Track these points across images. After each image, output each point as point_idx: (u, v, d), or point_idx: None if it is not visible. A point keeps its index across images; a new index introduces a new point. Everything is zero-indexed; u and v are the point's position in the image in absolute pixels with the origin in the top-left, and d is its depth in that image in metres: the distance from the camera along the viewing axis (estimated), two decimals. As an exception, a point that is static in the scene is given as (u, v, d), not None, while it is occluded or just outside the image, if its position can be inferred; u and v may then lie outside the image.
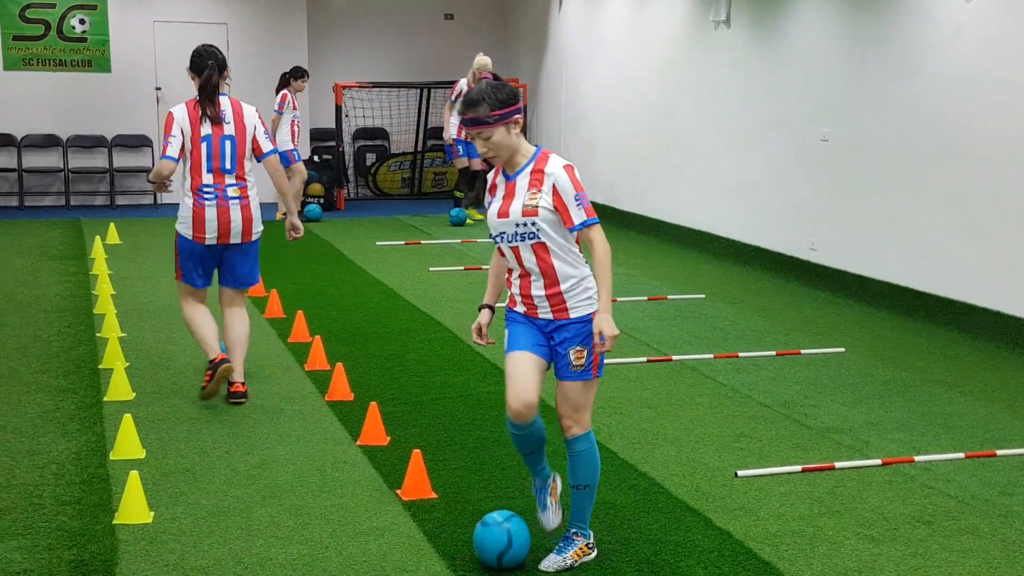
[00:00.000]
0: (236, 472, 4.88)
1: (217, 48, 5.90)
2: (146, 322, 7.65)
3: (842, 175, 9.08)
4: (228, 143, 5.76)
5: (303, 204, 13.28)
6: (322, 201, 14.02)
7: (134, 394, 5.95)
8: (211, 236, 5.76)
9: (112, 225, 11.46)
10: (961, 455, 5.21)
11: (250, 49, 14.49)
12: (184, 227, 5.78)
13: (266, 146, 5.94)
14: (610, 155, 13.16)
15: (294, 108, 12.50)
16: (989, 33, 7.52)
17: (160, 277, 9.25)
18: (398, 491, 4.65)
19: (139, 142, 14.04)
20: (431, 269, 9.87)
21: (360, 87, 14.45)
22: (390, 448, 5.21)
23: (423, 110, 15.19)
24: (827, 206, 9.29)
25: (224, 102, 5.81)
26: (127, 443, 5.03)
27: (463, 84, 12.28)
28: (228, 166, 5.76)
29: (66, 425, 5.46)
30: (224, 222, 5.75)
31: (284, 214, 6.39)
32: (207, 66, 5.74)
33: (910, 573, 4.00)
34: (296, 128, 12.54)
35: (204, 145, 5.70)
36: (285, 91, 12.49)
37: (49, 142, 13.85)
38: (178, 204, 5.90)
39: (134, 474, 4.39)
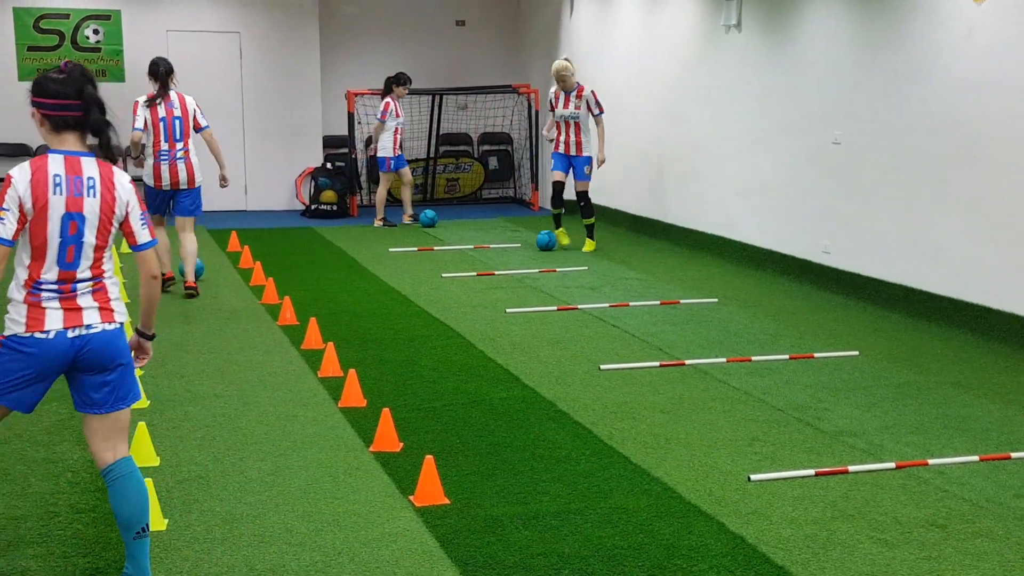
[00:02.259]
0: (249, 479, 4.90)
1: (166, 59, 8.71)
2: (159, 330, 7.62)
3: (855, 178, 9.06)
4: (177, 122, 8.63)
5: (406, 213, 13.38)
6: (335, 208, 14.06)
7: (148, 402, 5.98)
8: (165, 184, 8.67)
9: (127, 234, 11.50)
10: (975, 458, 5.19)
11: (263, 57, 14.55)
12: (148, 179, 8.72)
13: (202, 122, 8.76)
14: (621, 160, 13.15)
15: (397, 115, 12.79)
16: (1002, 34, 7.49)
17: (174, 284, 9.29)
18: (411, 497, 4.67)
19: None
20: (444, 275, 9.89)
21: (372, 94, 14.47)
22: (403, 454, 5.22)
23: (435, 117, 15.23)
24: (840, 209, 9.26)
25: (173, 95, 8.66)
26: (141, 450, 5.06)
27: (551, 94, 11.27)
28: (177, 137, 8.60)
29: (81, 433, 5.48)
30: (174, 174, 8.64)
31: (222, 176, 9.11)
32: (160, 73, 8.62)
33: (924, 577, 3.99)
34: (399, 136, 12.84)
35: (161, 124, 8.58)
36: (388, 99, 12.81)
37: (64, 152, 13.93)
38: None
39: (148, 481, 4.40)
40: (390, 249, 11.35)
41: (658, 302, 8.75)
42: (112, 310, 3.73)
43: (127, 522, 3.72)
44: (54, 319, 3.61)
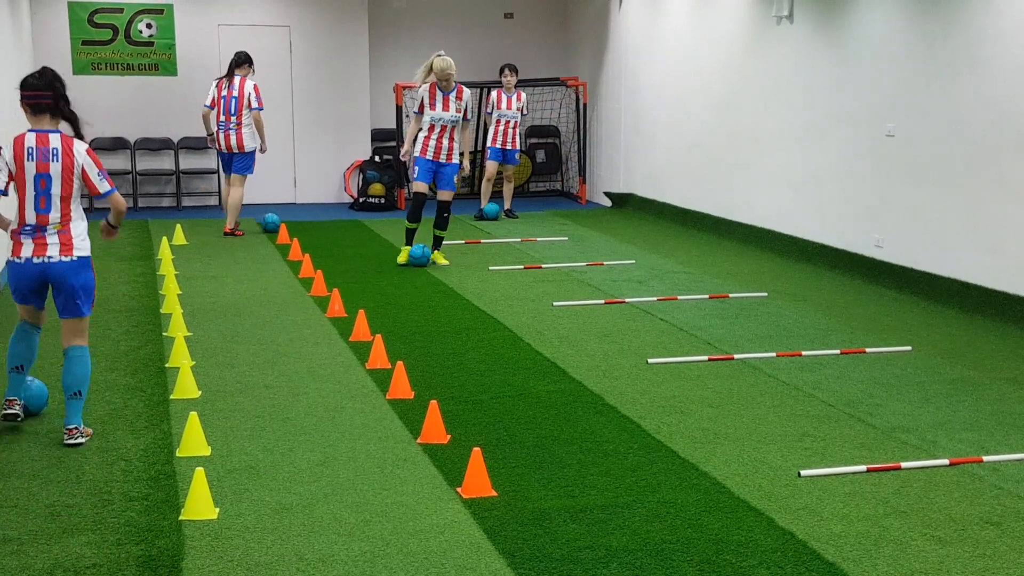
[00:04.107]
0: (299, 469, 4.94)
1: (245, 53, 11.56)
2: (211, 321, 7.76)
3: (908, 170, 8.93)
4: (233, 101, 11.31)
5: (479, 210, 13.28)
6: (383, 201, 14.13)
7: (200, 392, 6.05)
8: (223, 147, 11.42)
9: (178, 226, 11.64)
10: (1032, 455, 5.10)
11: (313, 50, 14.64)
12: (214, 144, 11.53)
13: (253, 104, 11.30)
14: (671, 152, 13.08)
15: (498, 107, 13.05)
16: (1060, 24, 7.34)
17: (226, 277, 9.39)
18: (458, 489, 4.68)
19: (205, 144, 14.24)
20: (491, 268, 9.89)
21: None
22: (450, 446, 5.24)
23: (483, 109, 15.21)
24: (893, 202, 9.14)
25: (237, 80, 11.37)
26: (193, 440, 5.12)
27: (424, 93, 9.76)
28: (232, 112, 11.30)
29: (134, 423, 5.57)
30: (227, 140, 11.37)
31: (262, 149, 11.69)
32: (231, 62, 11.47)
33: (978, 575, 3.92)
34: (502, 128, 13.01)
35: (222, 102, 11.34)
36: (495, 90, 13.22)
37: (117, 145, 14.11)
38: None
39: (200, 471, 4.47)
40: (438, 242, 11.35)
41: (706, 296, 8.69)
42: (72, 247, 5.21)
43: (65, 386, 5.24)
44: (27, 250, 5.15)
